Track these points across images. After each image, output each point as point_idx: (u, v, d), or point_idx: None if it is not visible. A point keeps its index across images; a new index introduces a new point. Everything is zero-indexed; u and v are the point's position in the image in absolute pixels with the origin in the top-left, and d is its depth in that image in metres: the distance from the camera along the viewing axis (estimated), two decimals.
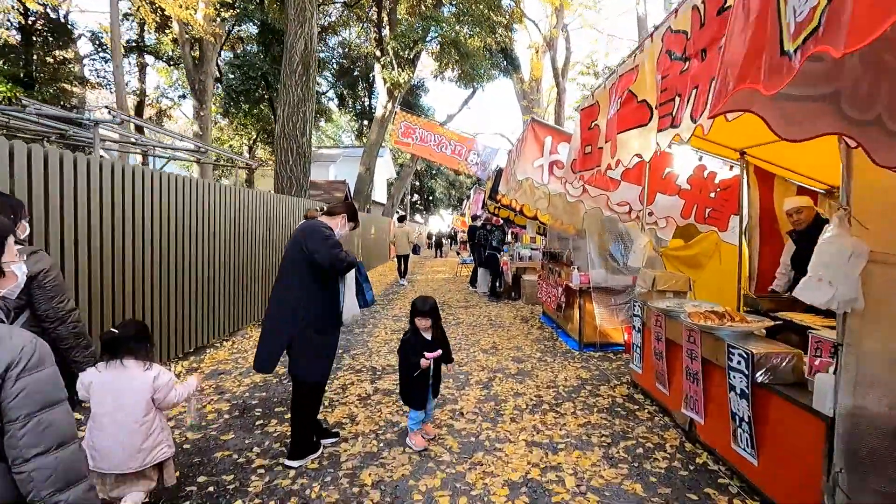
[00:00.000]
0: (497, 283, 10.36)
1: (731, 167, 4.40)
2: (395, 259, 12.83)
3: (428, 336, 3.11)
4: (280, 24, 11.88)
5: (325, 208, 3.19)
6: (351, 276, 3.07)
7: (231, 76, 12.19)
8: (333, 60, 24.83)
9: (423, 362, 3.01)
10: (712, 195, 4.41)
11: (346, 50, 24.99)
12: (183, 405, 2.66)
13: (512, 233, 16.04)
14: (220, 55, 15.21)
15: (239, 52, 14.60)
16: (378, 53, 18.32)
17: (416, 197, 47.96)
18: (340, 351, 5.55)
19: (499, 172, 8.71)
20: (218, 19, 14.51)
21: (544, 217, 9.12)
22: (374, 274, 14.73)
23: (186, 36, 14.51)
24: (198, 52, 14.85)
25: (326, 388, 4.25)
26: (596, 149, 3.64)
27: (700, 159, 4.37)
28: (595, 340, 5.52)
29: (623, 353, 5.40)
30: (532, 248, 10.77)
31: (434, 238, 32.01)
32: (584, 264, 7.26)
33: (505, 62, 24.79)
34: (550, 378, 4.56)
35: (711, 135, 3.93)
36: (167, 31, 15.16)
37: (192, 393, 2.39)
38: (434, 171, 45.64)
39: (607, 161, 3.23)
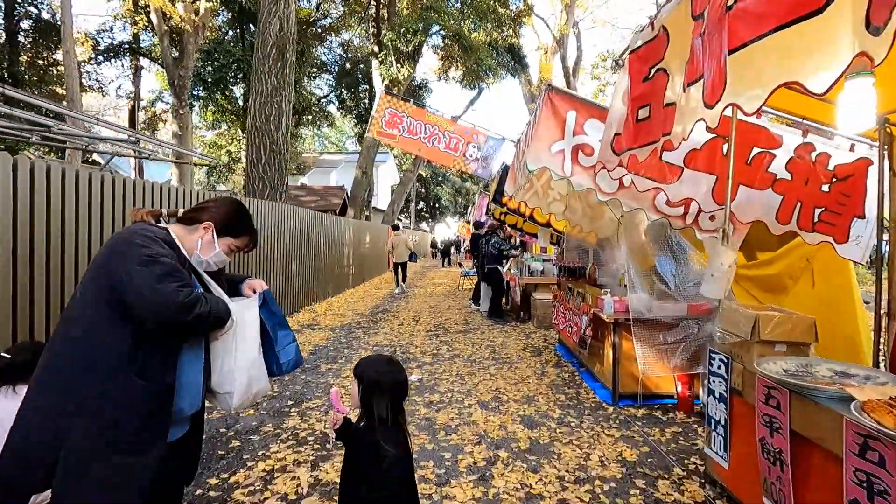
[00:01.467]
0: (503, 301, 8.89)
1: (852, 146, 2.94)
2: (392, 267, 12.39)
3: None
4: (256, 7, 10.65)
5: (182, 212, 1.73)
6: (251, 325, 1.67)
7: (200, 64, 10.96)
8: (335, 63, 23.77)
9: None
10: (825, 188, 2.93)
11: (347, 53, 23.91)
12: None
13: (520, 241, 14.59)
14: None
15: (210, 35, 13.21)
16: (376, 49, 17.09)
17: (421, 204, 46.84)
18: (290, 402, 4.13)
19: (505, 170, 7.30)
20: (200, 9, 13.32)
21: (559, 224, 7.65)
22: (369, 287, 13.33)
23: (165, 28, 13.34)
24: (179, 46, 13.68)
25: (242, 478, 2.83)
26: (659, 109, 2.21)
27: (805, 135, 2.91)
28: (636, 391, 4.03)
29: (676, 410, 3.91)
30: (544, 260, 9.32)
31: (442, 246, 30.49)
32: (613, 283, 5.81)
33: (512, 62, 23.48)
34: (579, 460, 3.08)
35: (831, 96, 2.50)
36: (136, 17, 13.97)
37: None
38: (440, 178, 44.49)
39: (692, 120, 1.80)
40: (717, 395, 2.63)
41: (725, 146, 2.96)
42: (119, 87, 30.92)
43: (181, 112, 13.49)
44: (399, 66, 16.18)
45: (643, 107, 2.39)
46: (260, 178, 8.47)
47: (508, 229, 10.44)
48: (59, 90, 21.72)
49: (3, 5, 18.32)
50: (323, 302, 9.90)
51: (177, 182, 13.90)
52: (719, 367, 2.60)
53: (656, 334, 3.92)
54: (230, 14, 12.56)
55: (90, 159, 25.84)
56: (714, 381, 2.65)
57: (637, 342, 3.93)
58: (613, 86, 3.10)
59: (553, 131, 3.75)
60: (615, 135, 2.75)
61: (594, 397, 4.27)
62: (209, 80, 10.41)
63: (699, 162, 3.02)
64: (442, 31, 16.60)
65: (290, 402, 4.13)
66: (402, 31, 13.87)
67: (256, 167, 8.47)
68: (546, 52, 26.08)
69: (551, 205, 6.71)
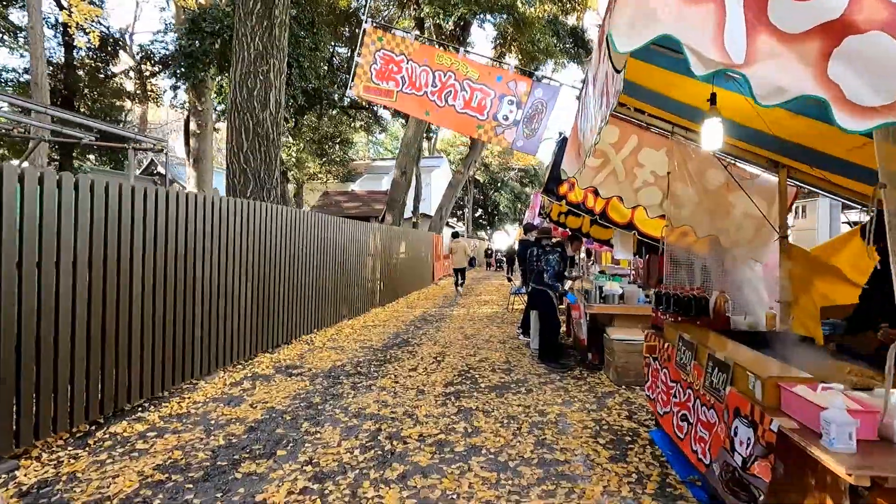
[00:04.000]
0: (555, 336, 6.32)
1: None
2: (452, 272, 13.91)
3: None
4: None
5: None
6: None
7: (184, 35, 9.43)
8: None
9: None
10: None
11: None
12: None
13: (587, 249, 11.85)
14: None
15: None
16: (417, 33, 15.19)
17: (479, 211, 44.74)
18: None
19: (562, 143, 4.86)
20: None
21: (652, 224, 5.06)
22: (401, 305, 11.24)
23: (182, 17, 12.19)
24: None
25: None
26: None
27: None
28: None
29: None
30: (622, 276, 6.72)
31: (505, 254, 26.08)
32: (755, 324, 3.24)
33: (576, 48, 20.72)
34: None
35: None
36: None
37: None
38: (498, 183, 42.12)
39: None
40: None
41: None
42: (174, 97, 31.48)
43: (199, 108, 12.25)
44: (443, 48, 14.12)
45: None
46: (241, 170, 6.61)
47: (596, 245, 7.89)
48: (118, 102, 21.95)
49: (60, 18, 18.47)
50: (331, 328, 7.89)
51: (194, 186, 12.67)
52: None
53: None
54: None
55: (155, 171, 26.01)
56: None
57: None
58: None
59: None
60: None
61: None
62: (195, 53, 8.82)
63: None
64: (489, 4, 14.34)
65: None
66: (439, 2, 11.77)
67: (237, 157, 6.63)
68: None
69: (639, 192, 4.20)
